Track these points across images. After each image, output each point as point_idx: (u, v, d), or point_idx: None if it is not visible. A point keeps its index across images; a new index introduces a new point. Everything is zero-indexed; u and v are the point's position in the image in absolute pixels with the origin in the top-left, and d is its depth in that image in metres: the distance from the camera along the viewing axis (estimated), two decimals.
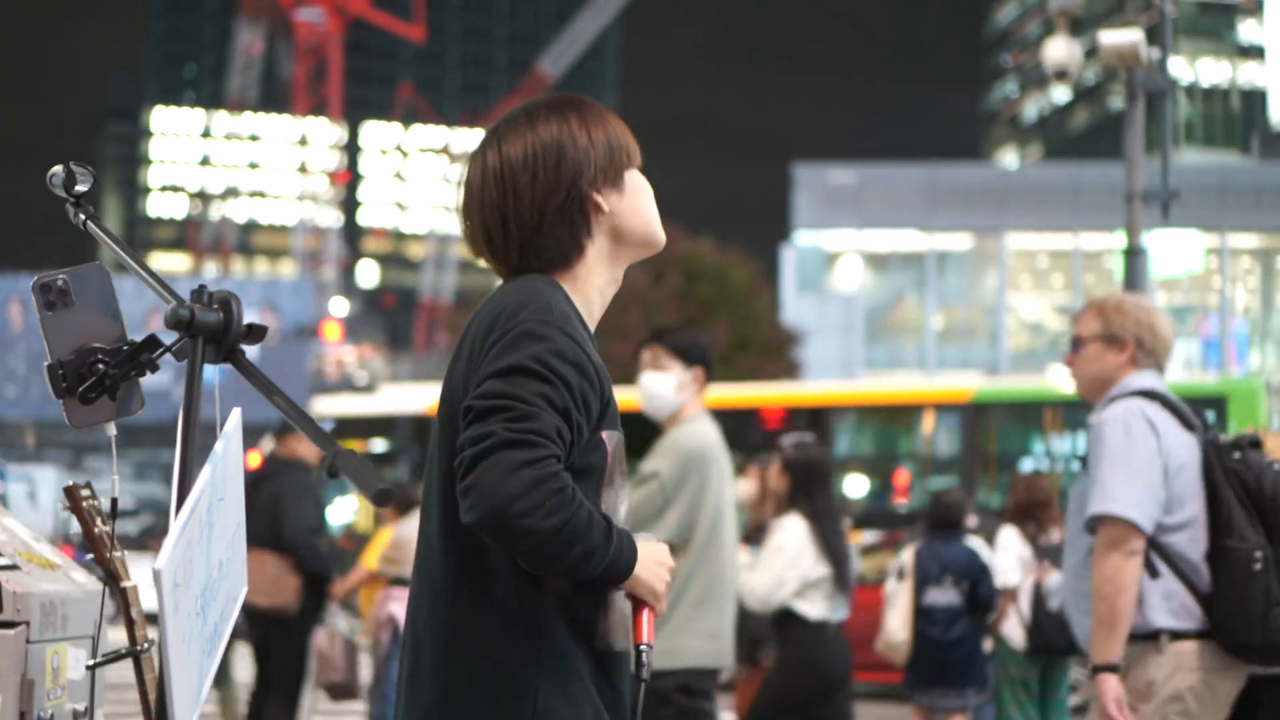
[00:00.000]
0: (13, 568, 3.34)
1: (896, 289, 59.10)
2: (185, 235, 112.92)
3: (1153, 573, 4.45)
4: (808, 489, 7.33)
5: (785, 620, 7.12)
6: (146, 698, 3.19)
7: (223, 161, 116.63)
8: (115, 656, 3.24)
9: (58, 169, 2.29)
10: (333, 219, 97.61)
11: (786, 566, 7.04)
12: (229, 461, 2.06)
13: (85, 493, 3.25)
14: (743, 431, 20.54)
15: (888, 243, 58.22)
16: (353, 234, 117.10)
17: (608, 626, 2.53)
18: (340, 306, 70.63)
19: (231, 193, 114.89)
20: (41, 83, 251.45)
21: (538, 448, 2.33)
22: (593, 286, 2.69)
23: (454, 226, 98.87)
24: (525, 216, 2.62)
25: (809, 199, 56.98)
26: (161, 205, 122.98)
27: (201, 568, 1.94)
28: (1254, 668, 4.52)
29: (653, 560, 2.54)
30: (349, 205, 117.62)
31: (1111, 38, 10.86)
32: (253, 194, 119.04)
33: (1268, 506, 4.42)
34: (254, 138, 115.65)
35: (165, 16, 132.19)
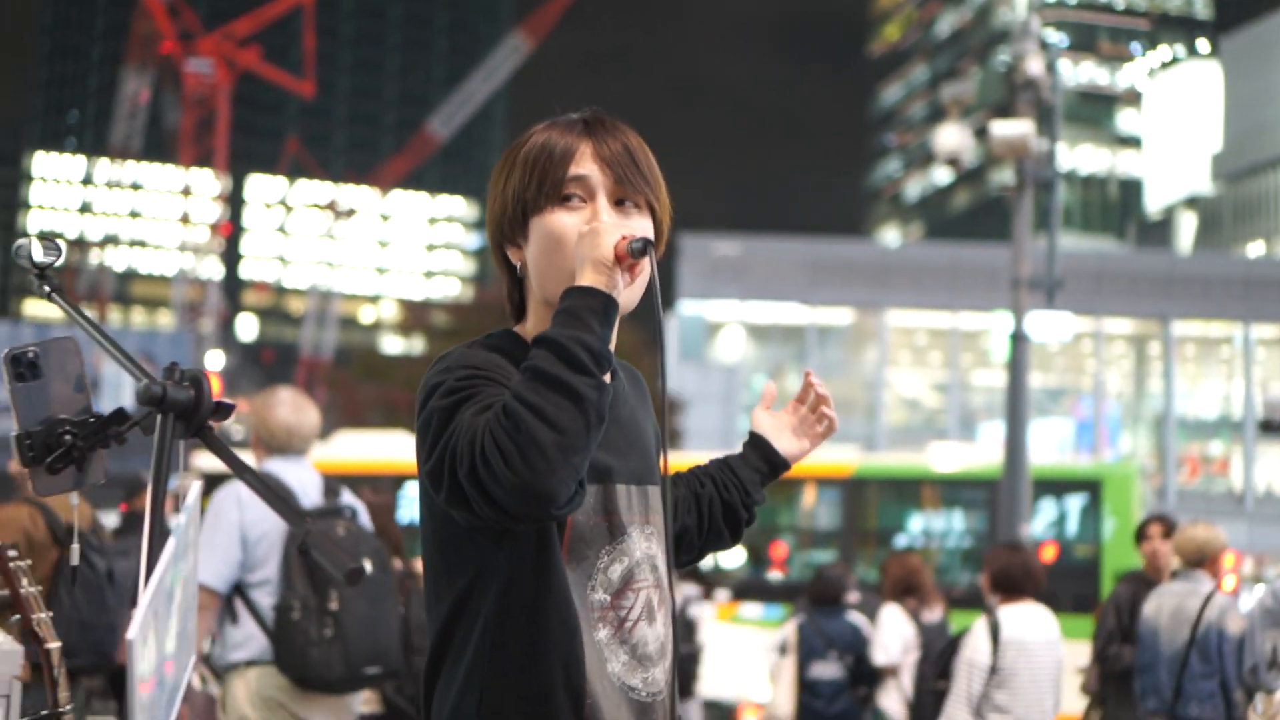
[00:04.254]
0: None
1: (777, 361, 59.55)
2: (62, 282, 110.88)
3: (234, 618, 5.59)
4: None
5: None
6: None
7: (103, 209, 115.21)
8: (36, 719, 3.25)
9: (24, 241, 2.34)
10: (214, 271, 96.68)
11: None
12: (189, 533, 2.12)
13: (12, 553, 3.27)
14: None
15: (770, 315, 58.71)
16: (233, 287, 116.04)
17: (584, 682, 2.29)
18: (218, 360, 69.87)
19: (111, 241, 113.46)
20: None
21: (447, 447, 2.17)
22: None
23: (336, 282, 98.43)
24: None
25: (693, 269, 57.36)
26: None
27: (163, 638, 1.99)
28: None
29: (581, 259, 2.26)
30: (230, 258, 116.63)
31: (1002, 129, 11.11)
32: (133, 243, 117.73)
33: (318, 563, 5.45)
34: (136, 186, 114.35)
35: (50, 62, 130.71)
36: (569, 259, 2.30)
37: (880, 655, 9.10)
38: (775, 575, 19.70)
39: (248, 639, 5.58)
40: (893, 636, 9.11)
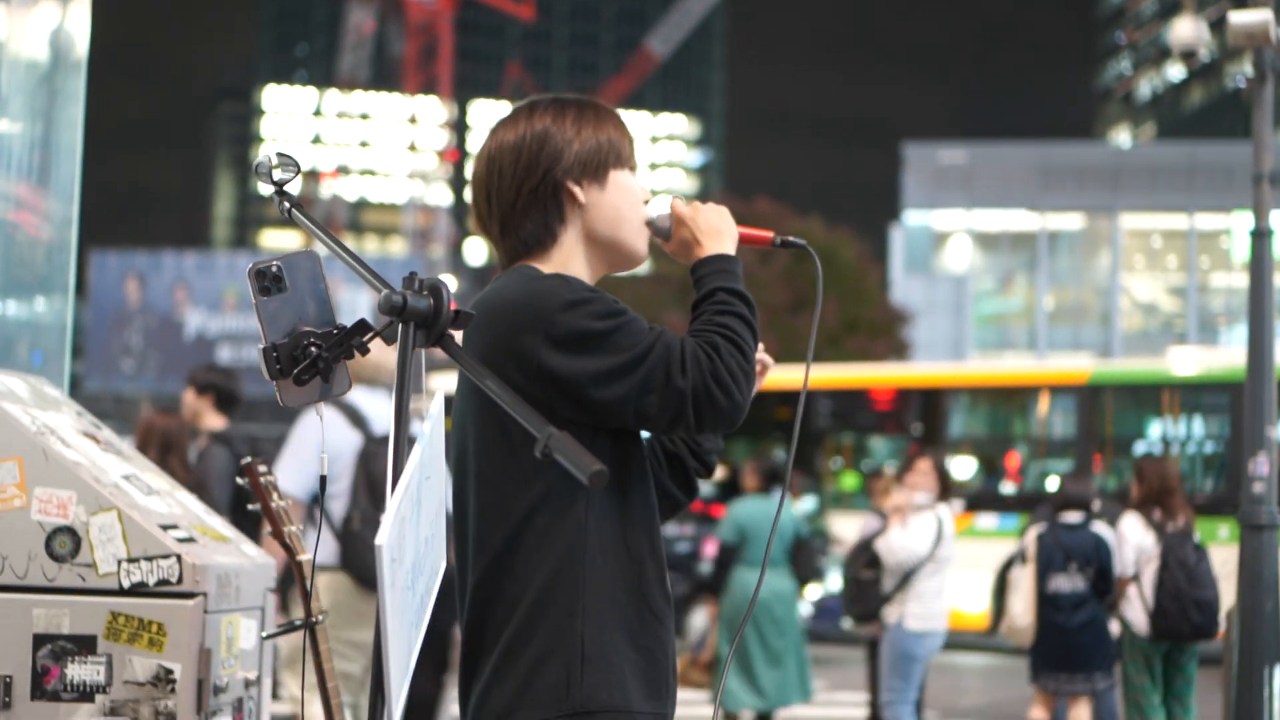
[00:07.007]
0: (190, 540, 3.46)
1: (1006, 269, 58.59)
2: (300, 202, 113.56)
3: (314, 524, 6.17)
4: None
5: None
6: (321, 668, 3.30)
7: (334, 140, 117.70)
8: (290, 628, 3.35)
9: (263, 159, 2.38)
10: (442, 197, 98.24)
11: None
12: (434, 442, 2.14)
13: (262, 469, 3.37)
14: (854, 412, 20.51)
15: (998, 223, 57.71)
16: (462, 212, 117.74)
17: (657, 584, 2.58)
18: (449, 284, 71.10)
19: (342, 170, 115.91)
20: (155, 64, 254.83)
21: (662, 353, 2.48)
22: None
23: None
24: (505, 194, 2.71)
25: (918, 179, 56.60)
26: None
27: (411, 544, 2.02)
28: None
29: (710, 230, 2.72)
30: (458, 183, 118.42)
31: (1241, 18, 10.68)
32: (363, 172, 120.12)
33: (378, 481, 6.12)
34: (365, 116, 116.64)
35: None
36: (639, 213, 2.75)
37: (1115, 566, 8.89)
38: (1009, 485, 19.45)
39: (322, 544, 6.20)
40: (1126, 549, 8.85)
